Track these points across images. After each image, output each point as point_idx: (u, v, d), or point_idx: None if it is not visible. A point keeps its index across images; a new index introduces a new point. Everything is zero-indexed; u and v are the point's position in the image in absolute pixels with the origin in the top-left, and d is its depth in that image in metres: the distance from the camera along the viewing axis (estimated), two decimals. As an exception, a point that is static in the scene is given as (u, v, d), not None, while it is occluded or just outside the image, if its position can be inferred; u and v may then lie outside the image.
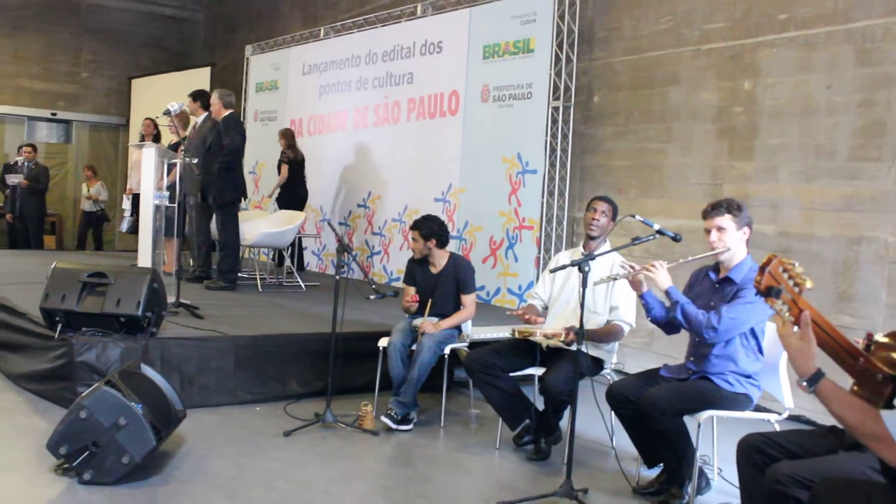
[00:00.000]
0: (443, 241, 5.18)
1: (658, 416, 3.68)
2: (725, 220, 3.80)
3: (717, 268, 3.95)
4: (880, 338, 2.31)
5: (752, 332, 3.79)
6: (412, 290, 5.21)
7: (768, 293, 2.20)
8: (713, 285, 3.92)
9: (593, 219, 4.50)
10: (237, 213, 7.83)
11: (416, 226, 5.17)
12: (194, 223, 8.06)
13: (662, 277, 3.84)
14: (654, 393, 3.75)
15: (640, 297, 3.99)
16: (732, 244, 3.81)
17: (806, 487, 2.49)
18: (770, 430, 3.19)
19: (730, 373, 3.81)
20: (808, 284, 2.19)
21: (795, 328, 2.19)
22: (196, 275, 7.98)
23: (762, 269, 2.23)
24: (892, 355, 2.13)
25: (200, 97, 7.97)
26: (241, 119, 11.35)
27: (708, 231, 3.84)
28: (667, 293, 3.85)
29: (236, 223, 7.77)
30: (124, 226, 10.13)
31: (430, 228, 5.13)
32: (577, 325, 3.90)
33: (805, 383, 2.14)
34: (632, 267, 3.92)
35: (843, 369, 2.15)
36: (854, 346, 2.18)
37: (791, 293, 2.18)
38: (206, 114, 7.91)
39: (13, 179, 11.58)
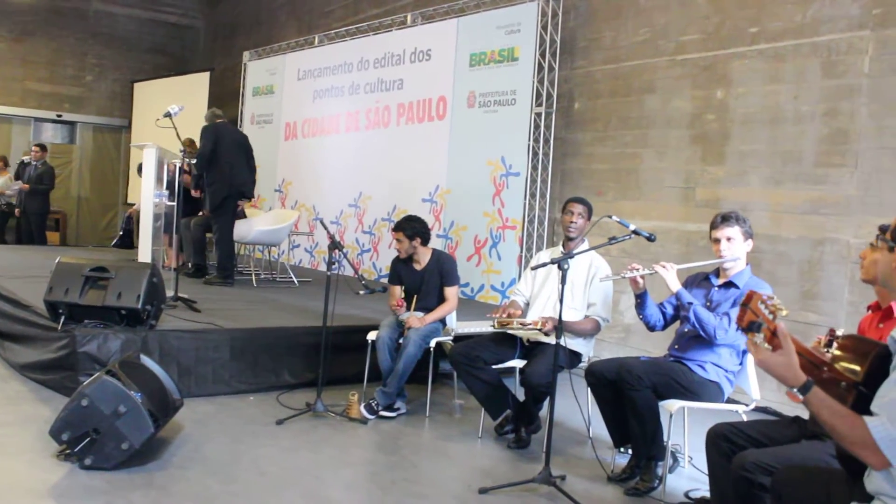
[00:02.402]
0: (426, 239, 5.17)
1: (632, 382, 3.74)
2: (735, 230, 3.84)
3: (717, 273, 4.00)
4: (841, 337, 2.32)
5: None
6: (398, 289, 5.21)
7: (750, 328, 2.20)
8: (712, 288, 3.95)
9: (571, 221, 4.54)
10: (228, 214, 7.62)
11: (398, 227, 5.16)
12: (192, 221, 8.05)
13: (672, 279, 3.88)
14: (631, 362, 3.86)
15: (638, 296, 4.01)
16: (740, 254, 3.86)
17: (770, 474, 2.51)
18: (737, 420, 3.20)
19: (708, 362, 3.85)
20: (784, 312, 2.20)
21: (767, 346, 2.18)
22: (192, 270, 7.94)
23: (743, 305, 2.23)
24: (851, 364, 2.14)
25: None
26: (238, 122, 11.36)
27: (717, 241, 3.86)
28: (677, 295, 3.89)
29: (227, 224, 7.62)
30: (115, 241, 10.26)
31: (414, 228, 5.12)
32: (554, 318, 3.91)
33: (797, 392, 2.09)
34: (635, 268, 3.91)
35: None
36: (818, 356, 2.19)
37: (766, 321, 2.18)
38: None
39: (15, 187, 11.63)
